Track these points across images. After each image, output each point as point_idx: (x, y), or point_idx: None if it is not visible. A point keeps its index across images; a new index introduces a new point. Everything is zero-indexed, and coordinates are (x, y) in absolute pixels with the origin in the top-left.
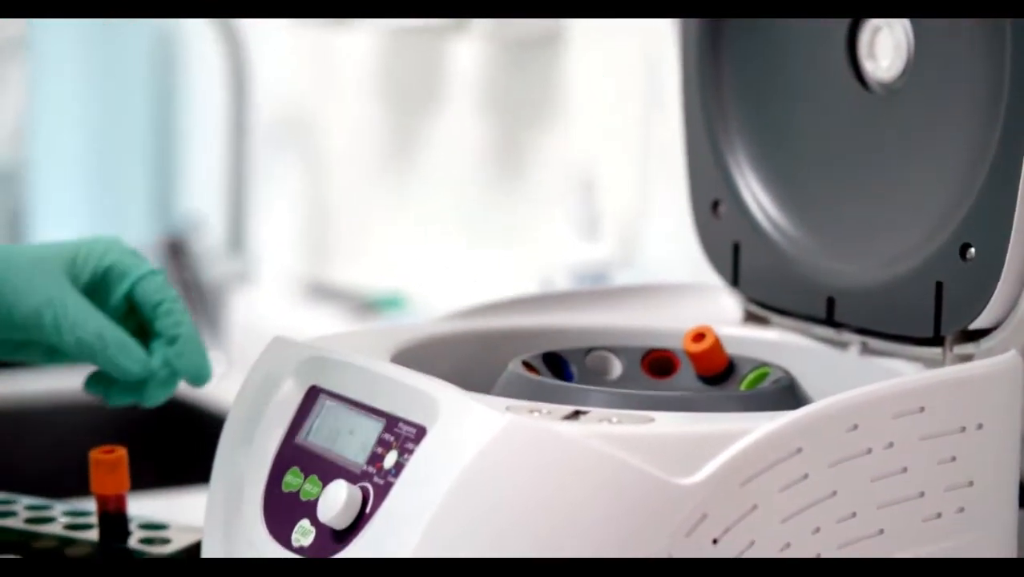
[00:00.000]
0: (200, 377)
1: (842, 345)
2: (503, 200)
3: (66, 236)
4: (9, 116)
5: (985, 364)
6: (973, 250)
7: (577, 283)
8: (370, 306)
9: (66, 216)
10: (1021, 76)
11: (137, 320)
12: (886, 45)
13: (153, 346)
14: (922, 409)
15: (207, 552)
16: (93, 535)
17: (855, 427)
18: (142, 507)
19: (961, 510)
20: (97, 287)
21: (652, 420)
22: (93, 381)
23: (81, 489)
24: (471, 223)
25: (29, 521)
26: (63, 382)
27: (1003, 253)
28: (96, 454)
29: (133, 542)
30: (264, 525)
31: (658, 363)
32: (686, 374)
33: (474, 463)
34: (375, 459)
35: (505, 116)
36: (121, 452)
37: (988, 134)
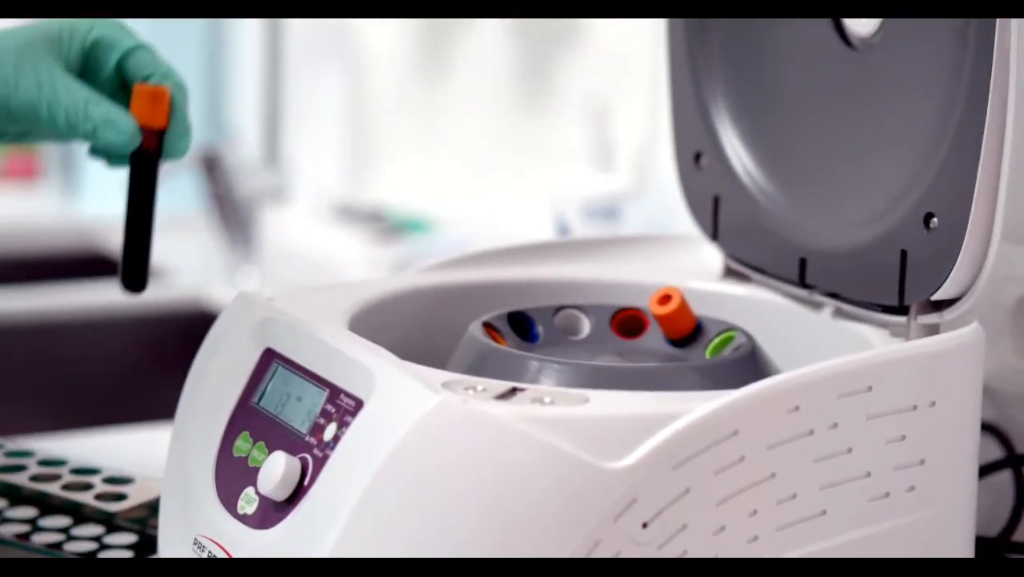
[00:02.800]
0: (177, 154)
1: (817, 306)
2: (526, 128)
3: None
4: None
5: (936, 341)
6: (936, 220)
7: (589, 216)
8: (396, 228)
9: None
10: (983, 44)
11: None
12: None
13: None
14: (869, 388)
15: (164, 512)
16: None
17: (796, 408)
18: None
19: (911, 489)
20: (87, 62)
21: (586, 400)
22: (92, 151)
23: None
24: (496, 148)
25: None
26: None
27: (965, 224)
28: (139, 86)
29: (90, 498)
30: (214, 490)
31: (627, 323)
32: (654, 334)
33: (403, 442)
34: (317, 429)
35: (530, 40)
36: (165, 89)
37: (952, 103)
